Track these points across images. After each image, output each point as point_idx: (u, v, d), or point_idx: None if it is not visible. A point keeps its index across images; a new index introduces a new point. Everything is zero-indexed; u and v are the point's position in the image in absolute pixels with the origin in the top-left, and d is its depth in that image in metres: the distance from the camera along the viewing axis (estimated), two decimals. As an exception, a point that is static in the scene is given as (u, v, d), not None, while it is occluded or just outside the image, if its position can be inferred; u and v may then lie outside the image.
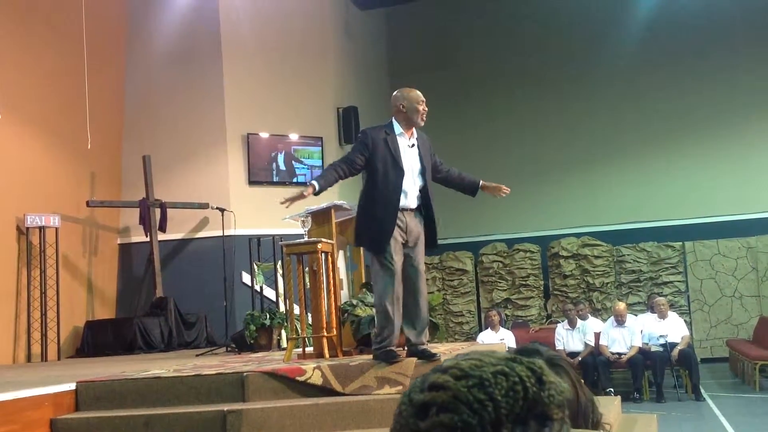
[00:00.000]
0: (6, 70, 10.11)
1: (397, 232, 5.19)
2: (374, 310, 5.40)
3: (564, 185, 15.06)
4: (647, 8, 14.46)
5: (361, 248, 7.03)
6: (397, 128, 5.35)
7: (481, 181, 5.75)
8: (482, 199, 15.03)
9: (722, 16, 14.44)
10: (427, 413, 0.80)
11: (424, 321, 5.35)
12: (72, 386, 4.93)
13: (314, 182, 5.26)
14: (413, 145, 5.37)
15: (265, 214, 11.08)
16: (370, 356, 5.31)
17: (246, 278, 10.97)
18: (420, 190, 5.37)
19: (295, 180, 12.28)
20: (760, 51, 14.32)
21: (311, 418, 4.42)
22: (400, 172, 5.24)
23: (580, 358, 10.62)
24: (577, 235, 14.40)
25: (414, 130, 5.41)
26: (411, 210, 5.33)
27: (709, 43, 14.50)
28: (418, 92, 5.44)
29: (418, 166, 5.36)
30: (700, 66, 14.55)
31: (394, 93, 5.47)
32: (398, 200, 5.22)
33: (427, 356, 5.13)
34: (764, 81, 14.26)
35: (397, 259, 5.18)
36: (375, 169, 5.23)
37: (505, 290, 14.55)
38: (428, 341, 5.51)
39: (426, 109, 5.40)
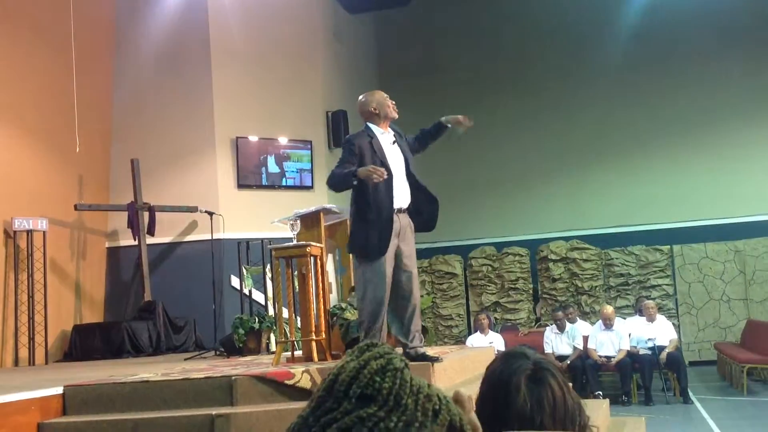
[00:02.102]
0: (-7, 73, 10.08)
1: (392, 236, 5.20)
2: (359, 315, 5.38)
3: (553, 189, 15.11)
4: (633, 13, 14.53)
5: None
6: (377, 130, 5.40)
7: (442, 119, 5.60)
8: (472, 202, 15.07)
9: (709, 22, 14.51)
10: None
11: (417, 325, 5.35)
12: (59, 390, 4.90)
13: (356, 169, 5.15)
14: (394, 142, 5.41)
15: (254, 218, 11.07)
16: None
17: (235, 282, 10.95)
18: (410, 186, 5.39)
19: (284, 183, 12.27)
20: (748, 56, 14.40)
21: (300, 421, 4.39)
22: (389, 174, 5.25)
23: (568, 362, 10.64)
24: (566, 239, 14.44)
25: (389, 125, 5.47)
26: (403, 210, 5.34)
27: (697, 49, 14.58)
28: (380, 91, 5.62)
29: (402, 162, 5.39)
30: (687, 71, 14.64)
31: (360, 99, 5.56)
32: (392, 202, 5.22)
33: (428, 359, 5.11)
34: (752, 86, 14.35)
35: (389, 265, 5.18)
36: None
37: (494, 294, 14.57)
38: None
39: (393, 101, 5.49)
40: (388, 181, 5.24)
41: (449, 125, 5.58)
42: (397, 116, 5.48)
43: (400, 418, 0.83)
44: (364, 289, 5.24)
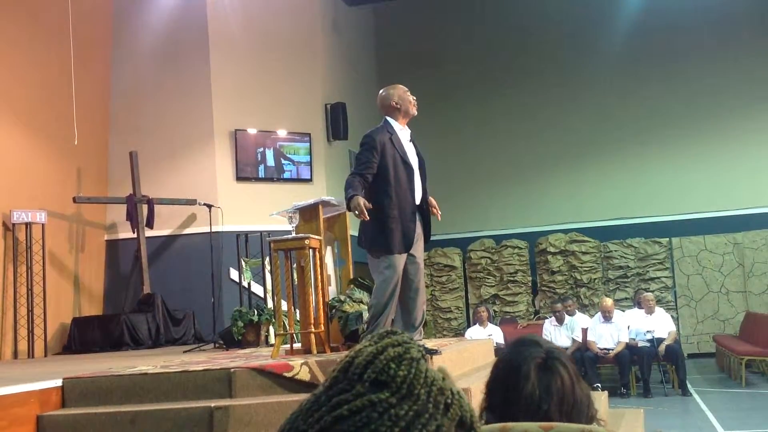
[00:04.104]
0: (-9, 66, 10.06)
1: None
2: (370, 305, 5.39)
3: (552, 181, 15.10)
4: (633, 6, 14.51)
5: (349, 246, 7.04)
6: (396, 125, 5.36)
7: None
8: (471, 195, 15.08)
9: (709, 16, 14.50)
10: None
11: (421, 318, 5.38)
12: (58, 383, 4.91)
13: (357, 196, 5.02)
14: (411, 140, 5.40)
15: (253, 210, 11.07)
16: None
17: (234, 274, 10.94)
18: (423, 185, 5.39)
19: (282, 176, 12.26)
20: (747, 50, 14.39)
21: (299, 414, 4.40)
22: (410, 170, 5.26)
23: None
24: (565, 231, 14.44)
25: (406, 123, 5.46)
26: (417, 206, 5.35)
27: (696, 42, 14.57)
28: (402, 85, 5.54)
29: (417, 160, 5.38)
30: (686, 64, 14.62)
31: (381, 93, 5.50)
32: (414, 198, 5.23)
33: (428, 351, 5.13)
34: (751, 79, 14.34)
35: (403, 260, 5.19)
36: (386, 171, 5.18)
37: (493, 286, 14.58)
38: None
39: (414, 96, 5.47)
40: (410, 177, 5.24)
41: None
42: (416, 114, 5.47)
43: (411, 408, 0.84)
44: (378, 284, 5.23)
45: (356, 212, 5.00)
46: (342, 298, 6.44)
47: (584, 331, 10.99)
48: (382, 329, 0.94)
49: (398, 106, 5.39)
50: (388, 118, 5.39)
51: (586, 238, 14.28)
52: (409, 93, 5.47)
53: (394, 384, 0.85)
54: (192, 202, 11.10)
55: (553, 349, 1.90)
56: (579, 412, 1.85)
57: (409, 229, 5.16)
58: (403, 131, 5.36)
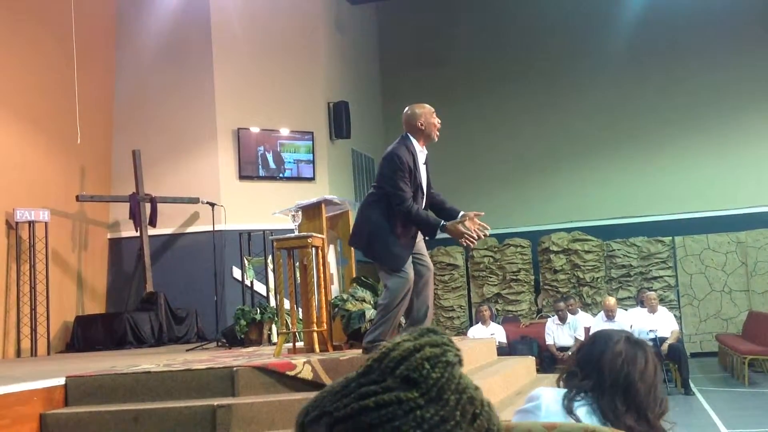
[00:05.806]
0: (-5, 64, 10.07)
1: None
2: (379, 307, 5.39)
3: (554, 180, 15.09)
4: (637, 5, 14.49)
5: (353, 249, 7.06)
6: (416, 146, 5.31)
7: (461, 213, 5.36)
8: (473, 193, 15.07)
9: (711, 13, 14.48)
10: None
11: (428, 319, 5.41)
12: (62, 381, 4.92)
13: (442, 223, 5.20)
14: (425, 162, 5.40)
15: (256, 209, 11.07)
16: (360, 351, 5.34)
17: (236, 273, 10.96)
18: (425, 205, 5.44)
19: (285, 174, 12.27)
20: (749, 48, 14.37)
21: (301, 412, 4.41)
22: (422, 194, 5.30)
23: (570, 353, 10.65)
24: (568, 230, 14.43)
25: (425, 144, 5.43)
26: None
27: (699, 40, 14.55)
28: (429, 106, 5.45)
29: (426, 183, 5.39)
30: (689, 62, 14.60)
31: (407, 111, 5.40)
32: None
33: None
34: (753, 77, 14.32)
35: (409, 266, 5.22)
36: None
37: (496, 285, 14.57)
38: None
39: (439, 119, 5.43)
40: (419, 201, 5.29)
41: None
42: (436, 140, 5.44)
43: (438, 412, 0.84)
44: (388, 287, 5.26)
45: (465, 239, 5.14)
46: (345, 296, 6.44)
47: (587, 330, 10.97)
48: (426, 326, 0.93)
49: (422, 128, 5.33)
50: (410, 136, 5.34)
51: (588, 237, 14.27)
52: (435, 116, 5.39)
53: (425, 385, 0.85)
54: (195, 201, 11.10)
55: (643, 341, 2.14)
56: (656, 397, 2.04)
57: (409, 248, 5.29)
58: (421, 153, 5.34)
